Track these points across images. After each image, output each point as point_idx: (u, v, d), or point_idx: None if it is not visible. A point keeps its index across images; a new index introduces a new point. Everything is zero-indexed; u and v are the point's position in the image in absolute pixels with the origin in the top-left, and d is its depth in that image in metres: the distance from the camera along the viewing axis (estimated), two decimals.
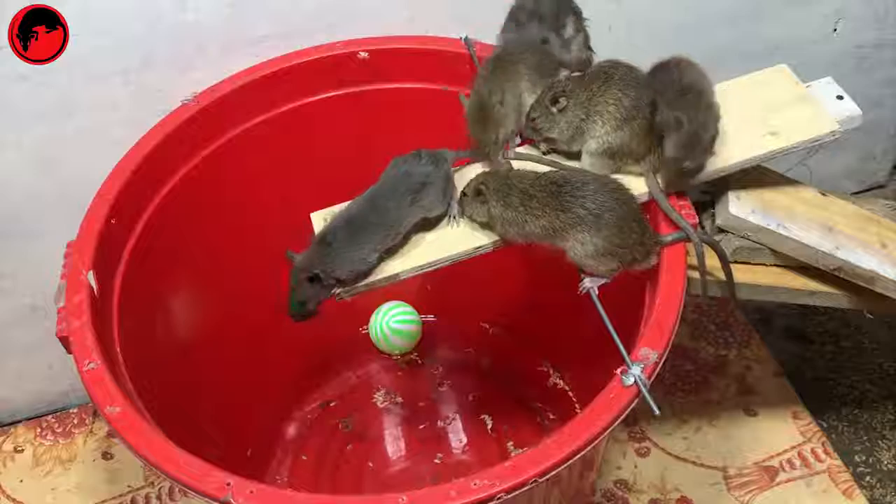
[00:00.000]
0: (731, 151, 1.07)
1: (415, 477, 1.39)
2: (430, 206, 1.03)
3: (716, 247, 1.05)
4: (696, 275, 1.05)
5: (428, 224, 1.04)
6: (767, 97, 1.12)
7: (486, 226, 1.03)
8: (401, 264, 1.01)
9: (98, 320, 0.97)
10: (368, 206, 1.00)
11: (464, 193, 1.03)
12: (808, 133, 1.08)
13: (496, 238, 1.02)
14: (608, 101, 1.03)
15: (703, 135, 0.98)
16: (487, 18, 1.26)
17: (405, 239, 1.03)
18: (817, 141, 1.08)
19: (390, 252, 1.02)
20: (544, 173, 1.02)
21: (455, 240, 1.03)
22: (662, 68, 1.05)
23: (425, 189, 1.01)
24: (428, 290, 1.52)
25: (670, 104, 0.99)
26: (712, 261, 1.06)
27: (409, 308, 1.50)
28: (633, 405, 0.86)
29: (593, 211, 0.95)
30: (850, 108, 1.13)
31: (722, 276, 1.08)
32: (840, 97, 1.14)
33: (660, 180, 1.04)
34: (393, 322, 1.48)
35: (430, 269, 1.01)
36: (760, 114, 1.10)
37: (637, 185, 1.03)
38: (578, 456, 0.82)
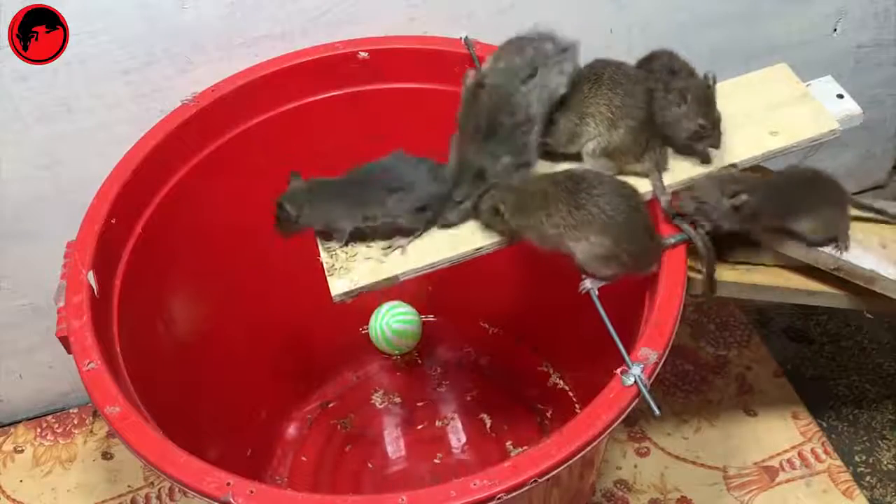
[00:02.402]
0: (732, 151, 1.07)
1: (414, 477, 1.39)
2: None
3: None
4: (696, 275, 1.05)
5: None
6: (767, 96, 1.12)
7: (487, 227, 1.03)
8: (400, 266, 1.01)
9: (98, 320, 0.97)
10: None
11: (479, 208, 1.01)
12: (809, 132, 1.08)
13: (496, 239, 1.02)
14: (599, 102, 1.03)
15: (712, 90, 1.04)
16: (487, 18, 1.27)
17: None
18: (817, 140, 1.08)
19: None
20: (563, 170, 1.01)
21: (455, 241, 1.02)
22: (650, 59, 1.09)
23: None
24: (428, 290, 1.52)
25: (668, 85, 1.04)
26: None
27: (409, 308, 1.50)
28: (633, 405, 0.86)
29: (607, 212, 0.95)
30: (850, 107, 1.12)
31: (722, 276, 1.08)
32: (840, 96, 1.13)
33: (662, 178, 1.04)
34: (393, 322, 1.48)
35: (429, 270, 1.01)
36: (761, 113, 1.10)
37: (636, 186, 1.03)
38: (578, 456, 0.82)
